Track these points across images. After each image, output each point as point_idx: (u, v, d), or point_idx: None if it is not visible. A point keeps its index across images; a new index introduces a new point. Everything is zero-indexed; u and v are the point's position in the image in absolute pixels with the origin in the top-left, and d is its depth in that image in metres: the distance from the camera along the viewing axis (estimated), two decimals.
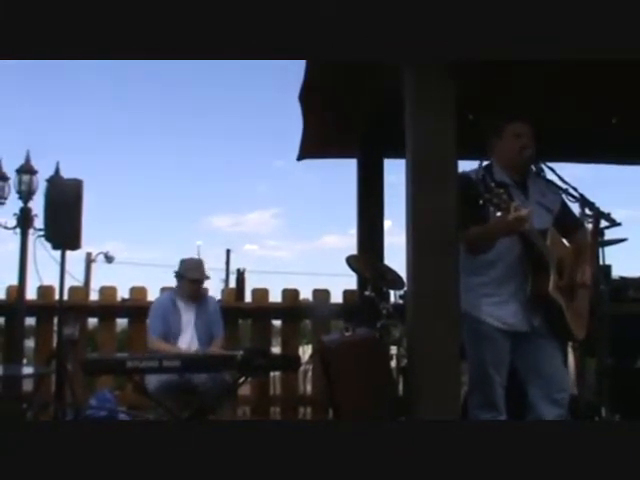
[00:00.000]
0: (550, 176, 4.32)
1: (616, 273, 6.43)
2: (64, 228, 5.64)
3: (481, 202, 3.86)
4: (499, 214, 3.94)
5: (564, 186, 4.19)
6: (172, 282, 6.63)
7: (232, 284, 10.55)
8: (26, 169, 8.44)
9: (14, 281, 7.32)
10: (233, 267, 27.70)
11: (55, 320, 6.60)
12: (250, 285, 7.76)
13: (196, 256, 6.83)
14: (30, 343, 7.82)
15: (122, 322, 7.72)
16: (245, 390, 7.13)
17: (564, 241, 4.50)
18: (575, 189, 4.13)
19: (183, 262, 6.61)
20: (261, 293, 7.60)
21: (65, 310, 6.01)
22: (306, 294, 7.71)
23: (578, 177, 4.62)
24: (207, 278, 6.72)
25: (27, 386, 6.49)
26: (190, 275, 6.50)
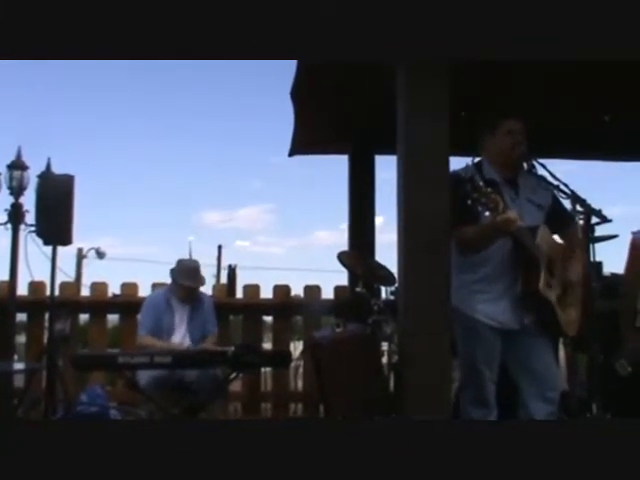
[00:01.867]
0: (541, 172, 4.32)
1: (607, 270, 6.45)
2: (55, 224, 5.64)
3: (469, 202, 3.86)
4: (487, 214, 3.94)
5: (555, 182, 4.20)
6: (163, 278, 6.62)
7: (223, 280, 10.50)
8: (17, 165, 8.38)
9: (5, 277, 7.29)
10: (224, 263, 27.67)
11: (46, 316, 6.59)
12: (241, 281, 7.76)
13: (190, 256, 6.75)
14: (21, 339, 7.81)
15: (113, 318, 7.72)
16: (236, 386, 7.13)
17: (556, 238, 4.50)
18: (566, 185, 4.14)
19: (179, 264, 6.53)
20: (252, 289, 7.60)
21: (56, 306, 6.00)
22: (297, 290, 7.72)
23: (570, 173, 4.63)
24: (202, 284, 6.65)
25: (18, 382, 6.48)
26: (183, 282, 6.43)
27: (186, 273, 6.46)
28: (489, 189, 3.88)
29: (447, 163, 4.18)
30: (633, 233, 5.21)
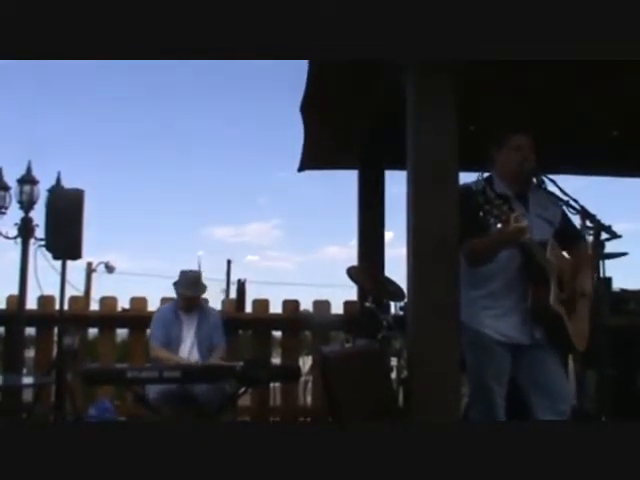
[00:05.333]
0: (551, 188, 4.31)
1: (617, 285, 6.45)
2: (65, 238, 5.64)
3: (481, 214, 3.86)
4: (499, 226, 3.93)
5: (565, 198, 4.18)
6: (172, 293, 6.63)
7: (233, 295, 10.52)
8: (27, 179, 8.44)
9: (14, 290, 7.32)
10: (234, 278, 27.67)
11: (55, 330, 6.60)
12: (251, 296, 7.76)
13: (196, 268, 6.81)
14: (30, 353, 7.82)
15: (122, 332, 7.72)
16: (245, 401, 7.12)
17: (564, 253, 4.49)
18: (576, 201, 4.12)
19: (180, 274, 6.62)
20: (261, 304, 7.59)
21: (65, 320, 6.01)
22: (307, 305, 7.70)
23: (579, 189, 4.62)
24: (202, 292, 6.70)
25: (27, 396, 6.49)
26: (183, 291, 6.52)
27: (186, 283, 6.54)
28: (501, 201, 3.89)
29: (456, 178, 4.18)
30: None
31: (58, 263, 5.79)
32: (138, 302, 7.42)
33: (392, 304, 6.53)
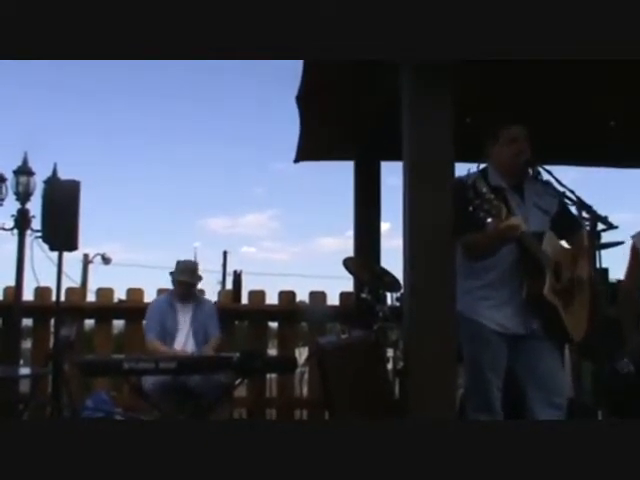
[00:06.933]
0: (547, 179, 4.31)
1: (613, 276, 6.45)
2: (61, 229, 5.64)
3: (471, 208, 3.86)
4: (490, 220, 3.93)
5: (561, 189, 4.19)
6: (169, 284, 6.66)
7: (229, 286, 10.51)
8: (24, 170, 8.44)
9: (11, 282, 7.32)
10: (230, 269, 27.68)
11: (52, 321, 6.60)
12: (247, 287, 7.77)
13: (192, 258, 6.86)
14: (27, 344, 7.82)
15: (119, 323, 7.73)
16: (241, 392, 7.13)
17: (562, 243, 4.50)
18: (572, 192, 4.13)
19: (177, 264, 6.69)
20: (258, 295, 7.59)
21: (62, 311, 6.00)
22: (303, 296, 7.72)
23: (576, 180, 4.63)
24: (199, 280, 6.78)
25: (24, 387, 6.49)
26: (180, 277, 6.58)
27: (182, 270, 6.62)
28: (492, 195, 3.88)
29: (452, 169, 4.18)
30: (633, 237, 5.23)
31: (55, 254, 5.79)
32: (134, 293, 7.43)
33: (388, 295, 6.54)
